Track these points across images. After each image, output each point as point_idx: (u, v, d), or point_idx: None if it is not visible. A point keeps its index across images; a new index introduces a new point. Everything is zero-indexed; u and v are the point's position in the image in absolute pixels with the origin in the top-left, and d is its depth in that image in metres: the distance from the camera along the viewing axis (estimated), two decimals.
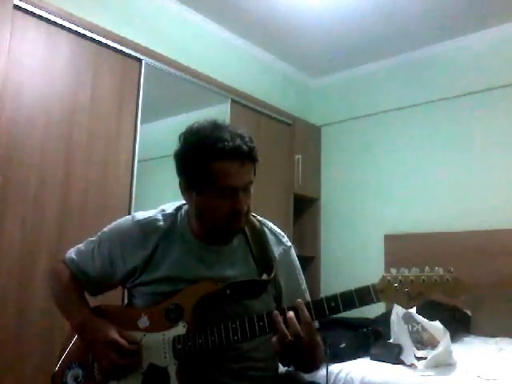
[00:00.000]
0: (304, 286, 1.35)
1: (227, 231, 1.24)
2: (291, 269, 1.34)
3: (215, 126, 1.17)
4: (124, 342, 1.17)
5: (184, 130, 1.22)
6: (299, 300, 1.11)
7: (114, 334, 1.17)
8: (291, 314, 1.07)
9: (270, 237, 1.33)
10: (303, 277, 1.37)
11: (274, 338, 1.09)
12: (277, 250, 1.31)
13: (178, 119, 3.08)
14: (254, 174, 1.21)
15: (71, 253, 1.35)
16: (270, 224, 1.38)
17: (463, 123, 3.45)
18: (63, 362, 1.27)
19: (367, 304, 1.07)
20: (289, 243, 1.36)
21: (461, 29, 3.41)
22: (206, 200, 1.18)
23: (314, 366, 1.21)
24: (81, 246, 1.36)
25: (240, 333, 1.12)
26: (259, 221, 1.35)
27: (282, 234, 1.38)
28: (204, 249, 1.26)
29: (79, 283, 1.31)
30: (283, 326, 1.06)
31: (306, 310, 1.08)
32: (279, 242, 1.34)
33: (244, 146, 1.14)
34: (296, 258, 1.37)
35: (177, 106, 3.11)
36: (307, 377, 1.39)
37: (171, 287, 1.22)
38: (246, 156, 1.16)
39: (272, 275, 1.24)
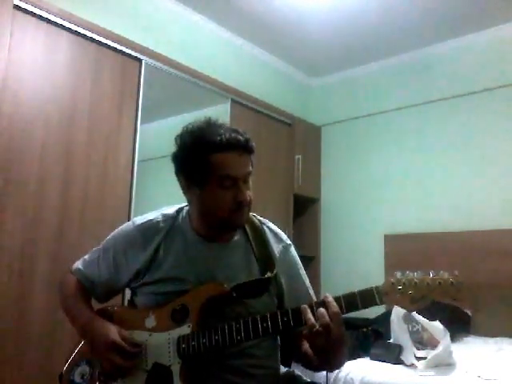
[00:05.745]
0: (307, 282, 1.36)
1: (230, 224, 1.26)
2: (292, 266, 1.35)
3: (210, 123, 1.24)
4: (125, 344, 1.18)
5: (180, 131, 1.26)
6: (327, 294, 1.09)
7: (115, 336, 1.18)
8: (322, 309, 1.06)
9: (270, 235, 1.35)
10: (305, 274, 1.37)
11: (304, 332, 1.09)
12: (276, 248, 1.33)
13: (178, 119, 3.08)
14: (252, 165, 1.24)
15: (78, 264, 1.38)
16: (270, 223, 1.40)
17: (463, 123, 3.45)
18: (72, 360, 1.28)
19: (370, 306, 1.07)
20: (288, 241, 1.38)
21: (461, 29, 3.41)
22: (208, 193, 1.21)
23: (339, 362, 1.17)
24: (86, 256, 1.39)
25: (243, 333, 1.13)
26: (259, 220, 1.37)
27: (282, 232, 1.40)
28: (206, 247, 1.28)
29: (85, 291, 1.34)
30: (311, 317, 1.06)
31: (334, 301, 1.07)
32: (279, 240, 1.36)
33: (240, 137, 1.20)
34: (296, 255, 1.38)
35: (177, 106, 3.11)
36: (307, 377, 1.39)
37: (174, 287, 1.23)
38: (243, 146, 1.20)
39: (274, 272, 1.25)
